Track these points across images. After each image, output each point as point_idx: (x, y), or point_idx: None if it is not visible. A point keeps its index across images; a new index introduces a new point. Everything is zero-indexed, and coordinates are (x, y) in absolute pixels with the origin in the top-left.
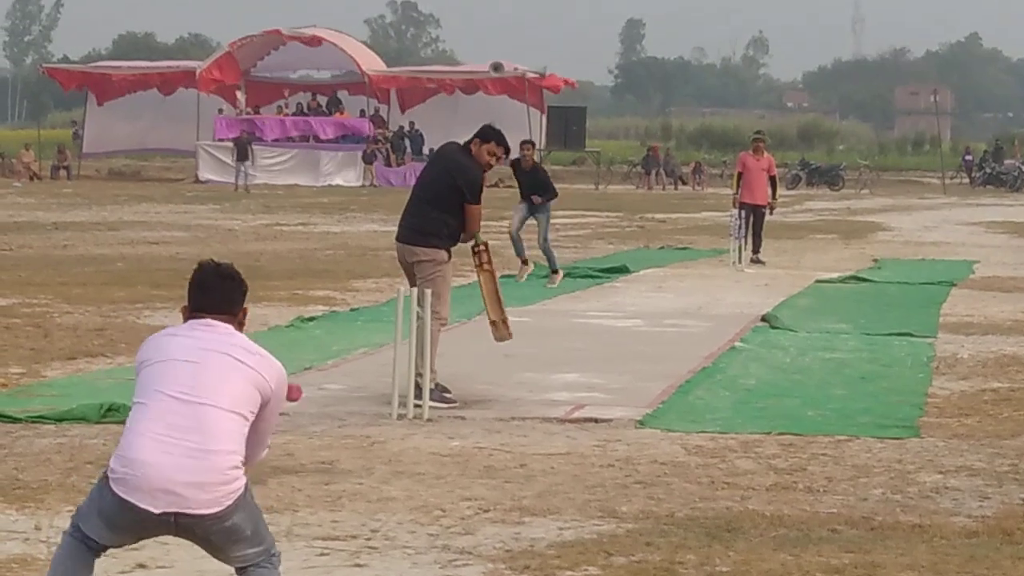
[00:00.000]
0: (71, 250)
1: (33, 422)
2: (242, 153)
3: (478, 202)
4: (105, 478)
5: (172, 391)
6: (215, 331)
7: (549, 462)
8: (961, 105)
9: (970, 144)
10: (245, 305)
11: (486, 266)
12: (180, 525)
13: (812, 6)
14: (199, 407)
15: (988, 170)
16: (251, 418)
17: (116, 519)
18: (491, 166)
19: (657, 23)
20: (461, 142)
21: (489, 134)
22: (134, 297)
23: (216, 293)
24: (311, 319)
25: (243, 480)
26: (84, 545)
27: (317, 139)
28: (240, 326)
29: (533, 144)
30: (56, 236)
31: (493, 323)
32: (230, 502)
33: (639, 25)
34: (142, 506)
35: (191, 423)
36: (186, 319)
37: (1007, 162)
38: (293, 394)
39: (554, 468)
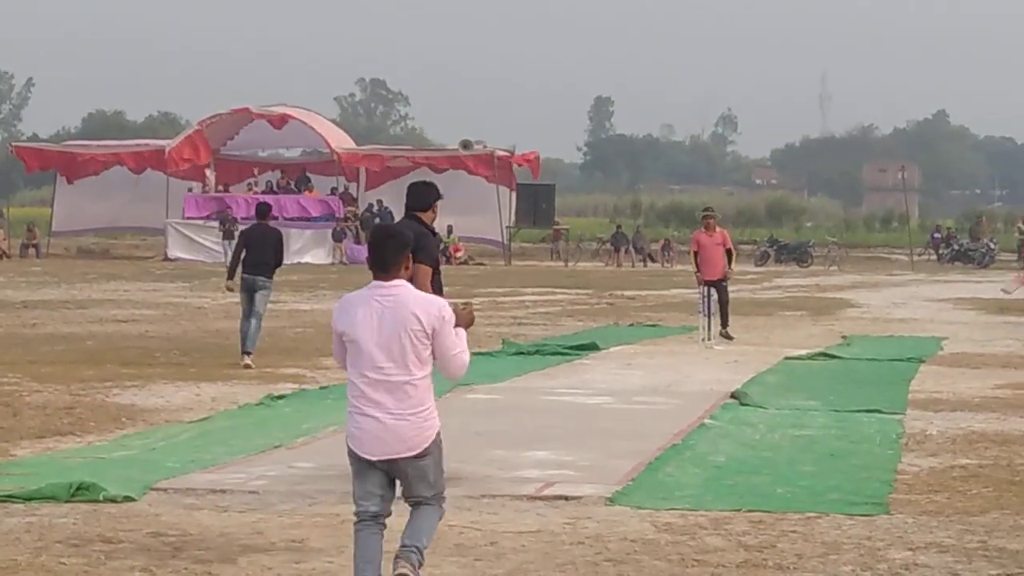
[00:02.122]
0: (40, 328)
1: (2, 501)
2: (228, 233)
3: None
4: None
5: (367, 371)
6: (386, 293)
7: (519, 540)
8: (929, 182)
9: (939, 221)
10: (409, 255)
11: None
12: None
13: (780, 84)
14: (388, 382)
15: (956, 247)
16: (430, 362)
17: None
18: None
19: (626, 100)
20: (398, 220)
21: (434, 195)
22: (103, 375)
23: (382, 251)
24: (281, 397)
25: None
26: (364, 522)
27: (286, 217)
28: (409, 276)
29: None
30: (25, 314)
31: None
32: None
33: (608, 103)
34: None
35: (384, 395)
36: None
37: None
38: (459, 320)
39: (524, 546)
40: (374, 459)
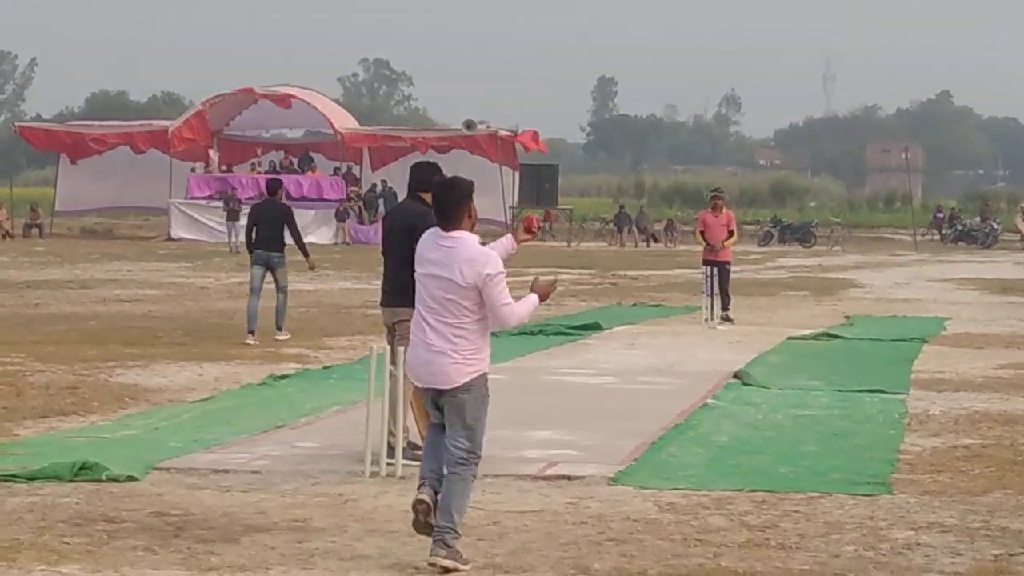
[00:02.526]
0: (43, 308)
1: (4, 481)
2: (232, 214)
3: None
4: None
5: (422, 306)
6: (444, 243)
7: (522, 519)
8: (932, 162)
9: (941, 201)
10: (472, 205)
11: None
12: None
13: (784, 64)
14: (440, 321)
15: (959, 227)
16: (478, 310)
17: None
18: None
19: (629, 81)
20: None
21: (435, 175)
22: (107, 355)
23: (443, 202)
24: (284, 377)
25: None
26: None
27: (290, 197)
28: (472, 225)
29: None
30: (28, 294)
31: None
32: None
33: (611, 83)
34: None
35: (432, 332)
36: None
37: (977, 219)
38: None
39: (527, 525)
40: (420, 385)
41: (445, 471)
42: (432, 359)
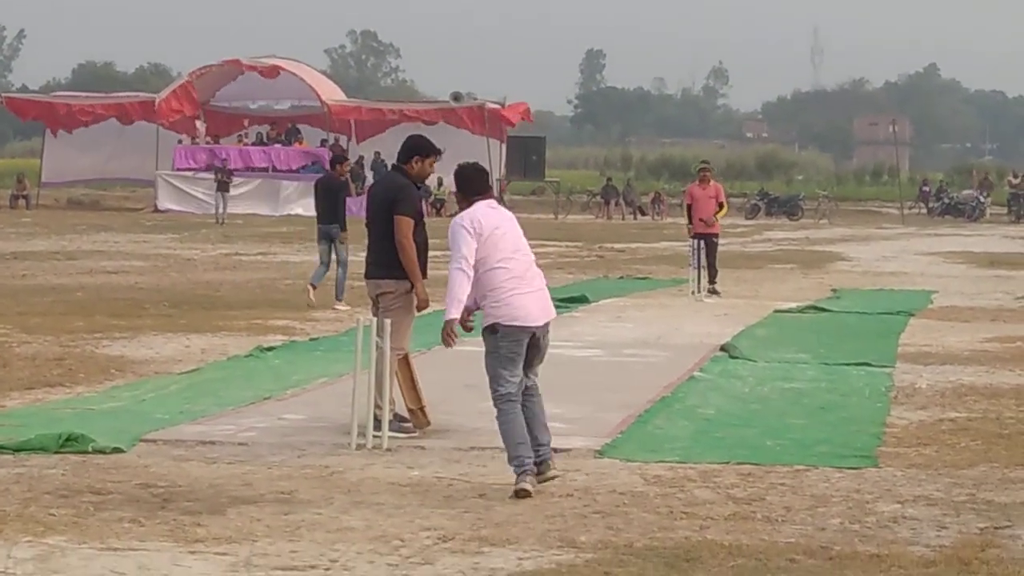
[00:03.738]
0: (30, 280)
1: None
2: (222, 185)
3: (406, 214)
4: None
5: (511, 260)
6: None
7: (508, 492)
8: (919, 135)
9: (928, 175)
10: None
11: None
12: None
13: (772, 37)
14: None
15: (947, 200)
16: None
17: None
18: (429, 174)
19: (617, 53)
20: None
21: (427, 148)
22: (93, 327)
23: (473, 180)
24: (270, 349)
25: None
26: (512, 401)
27: (277, 169)
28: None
29: None
30: (15, 265)
31: (411, 411)
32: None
33: (599, 55)
34: (532, 326)
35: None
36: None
37: (965, 192)
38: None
39: (513, 498)
40: (540, 324)
41: (528, 400)
42: (544, 295)
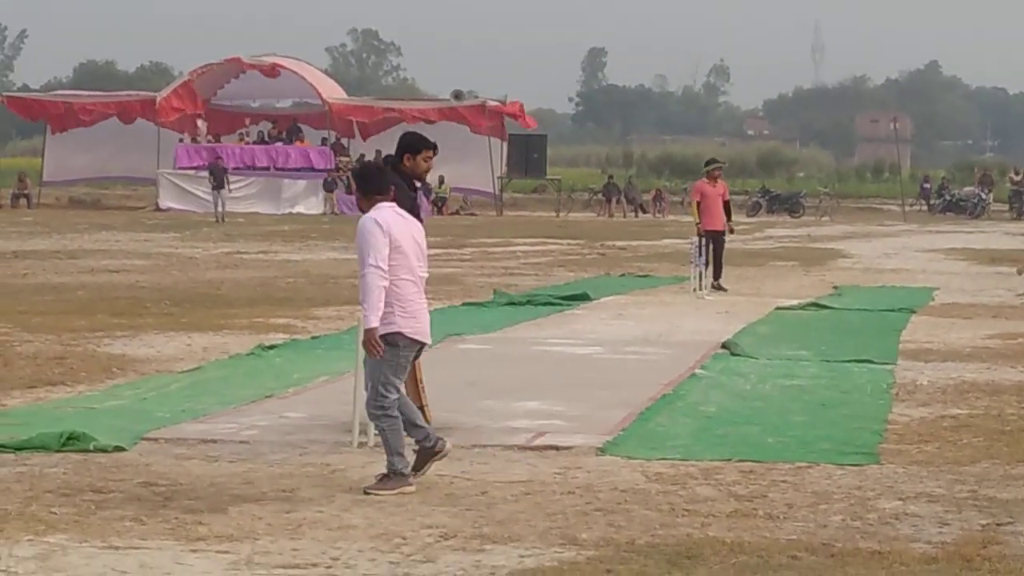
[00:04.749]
0: (31, 278)
1: None
2: (218, 182)
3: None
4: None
5: (415, 274)
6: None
7: (510, 489)
8: (921, 132)
9: (930, 172)
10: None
11: None
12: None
13: (773, 35)
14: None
15: (948, 197)
16: None
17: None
18: (428, 170)
19: (619, 51)
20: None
21: (421, 143)
22: (94, 325)
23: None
24: (272, 347)
25: None
26: (395, 409)
27: (278, 168)
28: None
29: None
30: (16, 264)
31: None
32: None
33: (601, 53)
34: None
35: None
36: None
37: (966, 189)
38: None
39: (515, 495)
40: (428, 342)
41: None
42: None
